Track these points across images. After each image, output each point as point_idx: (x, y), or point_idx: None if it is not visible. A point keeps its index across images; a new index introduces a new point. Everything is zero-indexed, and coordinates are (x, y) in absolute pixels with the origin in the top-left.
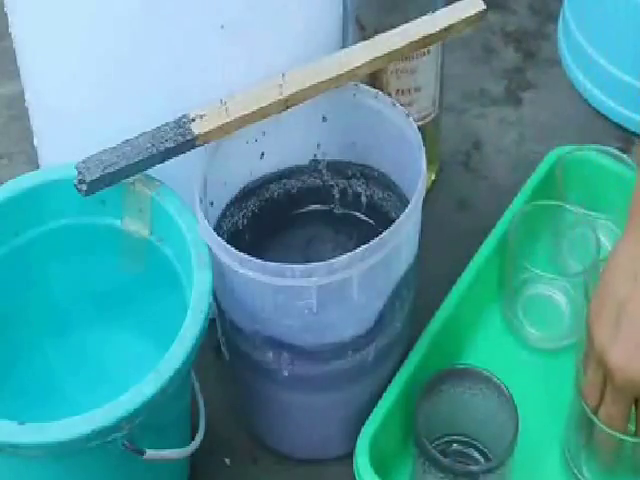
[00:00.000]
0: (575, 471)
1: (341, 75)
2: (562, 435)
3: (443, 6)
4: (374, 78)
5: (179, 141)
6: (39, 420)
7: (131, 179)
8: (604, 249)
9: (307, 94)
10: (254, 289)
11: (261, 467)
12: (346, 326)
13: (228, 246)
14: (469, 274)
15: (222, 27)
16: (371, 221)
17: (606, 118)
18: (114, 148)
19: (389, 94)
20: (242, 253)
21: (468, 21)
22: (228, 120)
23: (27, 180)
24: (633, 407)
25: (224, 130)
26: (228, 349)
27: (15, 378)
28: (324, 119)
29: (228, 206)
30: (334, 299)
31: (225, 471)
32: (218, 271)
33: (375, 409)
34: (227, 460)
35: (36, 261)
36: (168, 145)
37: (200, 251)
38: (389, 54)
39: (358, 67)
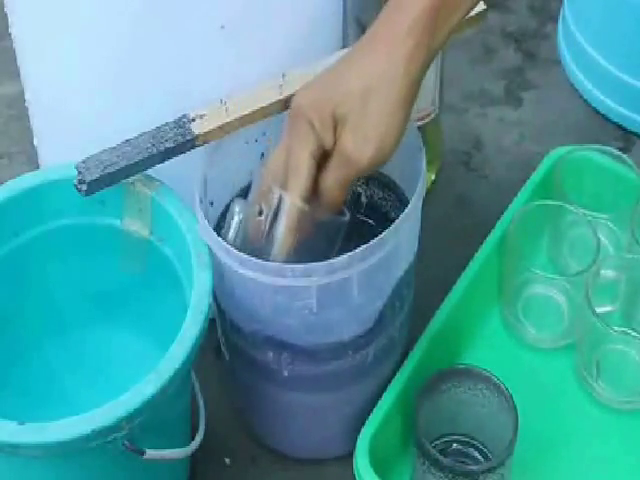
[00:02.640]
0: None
1: None
2: (563, 429)
3: None
4: None
5: (179, 141)
6: (39, 420)
7: (131, 179)
8: (604, 249)
9: None
10: (254, 289)
11: (261, 467)
12: (346, 326)
13: (228, 246)
14: (469, 274)
15: (222, 27)
16: (371, 221)
17: (606, 118)
18: (114, 148)
19: None
20: (242, 253)
21: (468, 21)
22: (228, 120)
23: (27, 180)
24: None
25: (224, 130)
26: (228, 349)
27: (15, 378)
28: None
29: (228, 206)
30: (334, 299)
31: (225, 471)
32: (218, 271)
33: (375, 409)
34: (227, 460)
35: (36, 261)
36: (168, 145)
37: (200, 251)
38: None
39: None
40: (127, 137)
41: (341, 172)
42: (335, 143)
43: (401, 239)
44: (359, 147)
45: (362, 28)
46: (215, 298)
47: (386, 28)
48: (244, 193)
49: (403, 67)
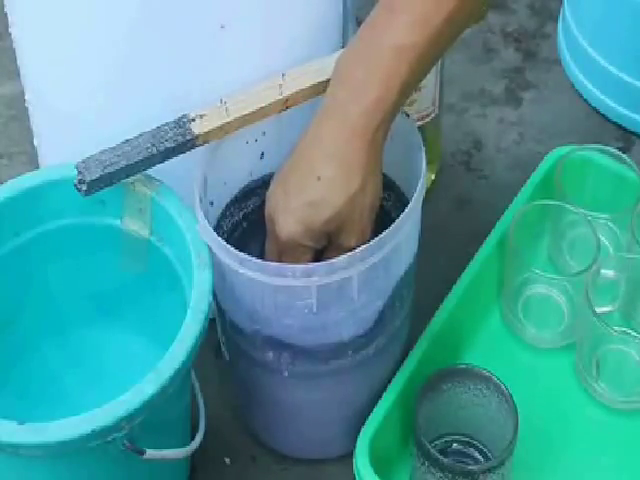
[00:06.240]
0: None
1: None
2: (563, 429)
3: None
4: None
5: (179, 141)
6: (39, 420)
7: (131, 179)
8: (604, 249)
9: (307, 94)
10: (254, 289)
11: (261, 467)
12: (346, 326)
13: (228, 246)
14: (469, 274)
15: (222, 27)
16: None
17: (606, 118)
18: (114, 148)
19: None
20: (242, 253)
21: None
22: (228, 120)
23: (27, 180)
24: None
25: (224, 130)
26: (228, 349)
27: (15, 378)
28: None
29: (228, 206)
30: (334, 299)
31: (225, 471)
32: (218, 271)
33: (375, 409)
34: (227, 460)
35: (36, 261)
36: (168, 145)
37: (200, 251)
38: None
39: None
40: (127, 137)
41: (343, 253)
42: (330, 240)
43: (401, 239)
44: (360, 239)
45: None
46: (215, 298)
47: (332, 129)
48: (244, 193)
49: (370, 172)
